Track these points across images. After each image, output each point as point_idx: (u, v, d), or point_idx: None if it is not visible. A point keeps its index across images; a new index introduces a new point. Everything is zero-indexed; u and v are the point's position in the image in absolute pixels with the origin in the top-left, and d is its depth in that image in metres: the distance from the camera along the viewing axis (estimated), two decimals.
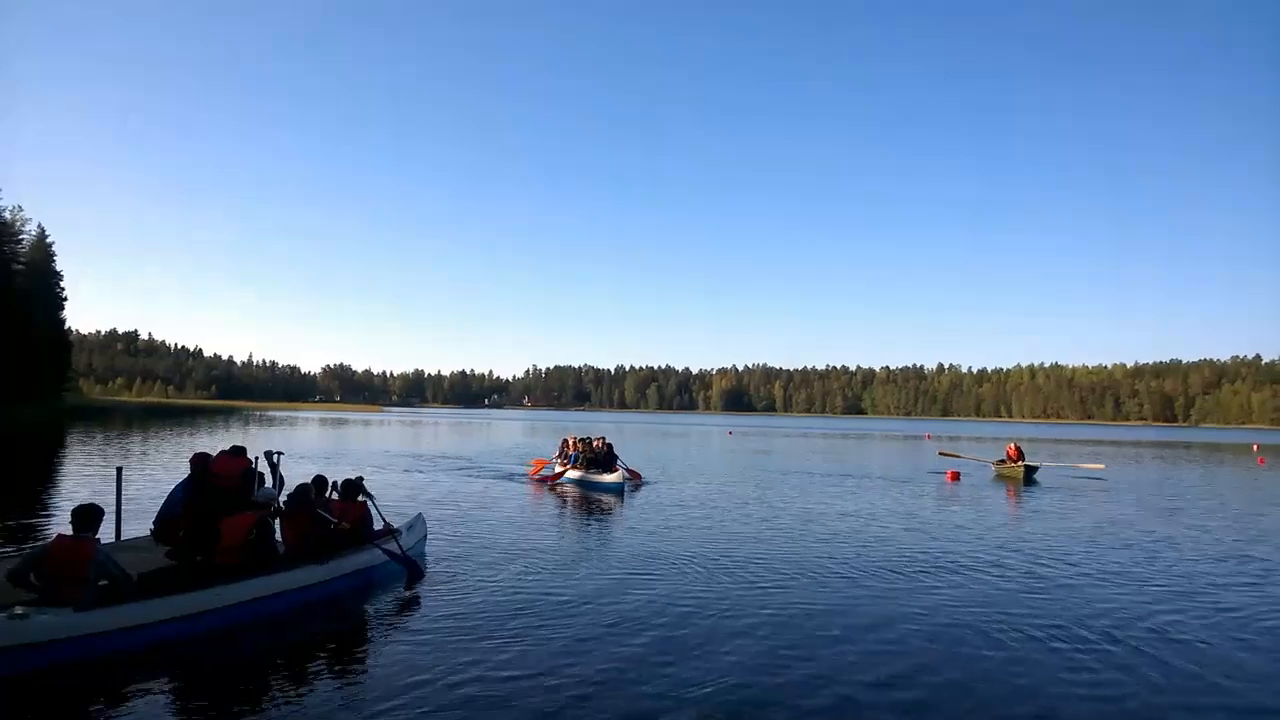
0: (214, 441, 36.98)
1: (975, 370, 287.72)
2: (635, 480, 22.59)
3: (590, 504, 18.40)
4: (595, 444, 23.98)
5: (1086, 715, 6.10)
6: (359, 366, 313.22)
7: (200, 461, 9.06)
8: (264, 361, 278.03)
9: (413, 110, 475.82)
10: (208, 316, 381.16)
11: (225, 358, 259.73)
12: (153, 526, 8.56)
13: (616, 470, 22.18)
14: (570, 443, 24.50)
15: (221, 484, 8.93)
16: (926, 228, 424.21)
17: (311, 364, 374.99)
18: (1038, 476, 27.11)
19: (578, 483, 22.08)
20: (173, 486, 8.95)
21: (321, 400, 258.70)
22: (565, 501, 18.91)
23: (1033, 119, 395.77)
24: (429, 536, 12.25)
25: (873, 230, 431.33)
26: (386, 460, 29.46)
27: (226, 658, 7.11)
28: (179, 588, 7.53)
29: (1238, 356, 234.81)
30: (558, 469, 23.28)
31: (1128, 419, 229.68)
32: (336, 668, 6.98)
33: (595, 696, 6.21)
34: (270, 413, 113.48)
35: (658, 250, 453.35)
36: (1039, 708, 6.22)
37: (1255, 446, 64.53)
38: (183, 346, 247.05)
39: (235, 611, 7.82)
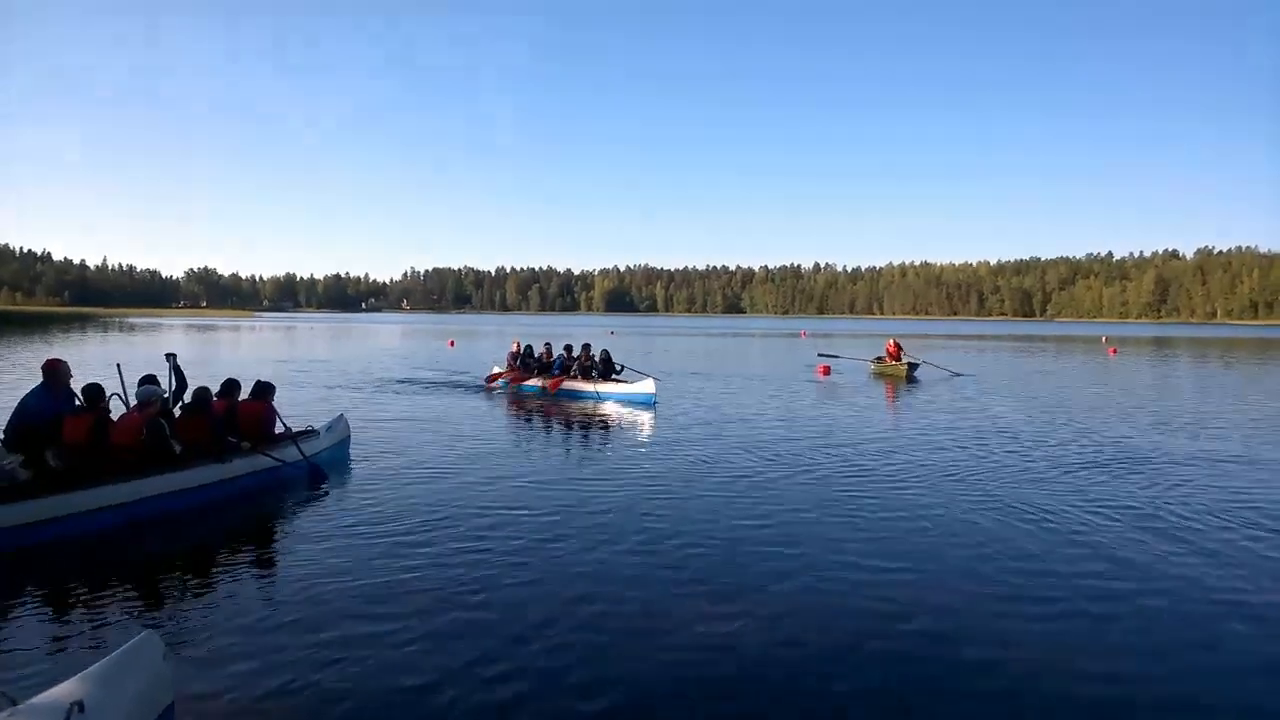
0: (68, 350, 34.56)
1: (850, 269, 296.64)
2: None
3: (575, 418, 15.82)
4: (576, 351, 20.14)
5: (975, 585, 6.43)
6: (225, 270, 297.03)
7: (53, 367, 8.31)
8: (121, 265, 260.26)
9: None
10: (57, 221, 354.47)
11: (78, 262, 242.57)
12: (1, 435, 7.92)
13: (648, 378, 18.48)
14: (521, 347, 21.48)
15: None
16: (804, 127, 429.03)
17: (174, 268, 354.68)
18: (918, 374, 26.88)
19: (589, 396, 18.62)
20: (24, 394, 8.24)
21: (186, 306, 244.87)
22: (534, 415, 16.43)
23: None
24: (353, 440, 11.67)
25: (751, 129, 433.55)
26: (278, 372, 28.03)
27: (121, 557, 6.87)
28: (72, 485, 7.26)
29: (1092, 254, 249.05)
30: (524, 377, 20.07)
31: (990, 314, 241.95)
32: (234, 570, 6.69)
33: (488, 591, 6.11)
34: (130, 319, 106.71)
35: (533, 147, 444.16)
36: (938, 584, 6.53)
37: (1104, 339, 69.23)
38: (29, 250, 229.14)
39: (132, 509, 7.64)
